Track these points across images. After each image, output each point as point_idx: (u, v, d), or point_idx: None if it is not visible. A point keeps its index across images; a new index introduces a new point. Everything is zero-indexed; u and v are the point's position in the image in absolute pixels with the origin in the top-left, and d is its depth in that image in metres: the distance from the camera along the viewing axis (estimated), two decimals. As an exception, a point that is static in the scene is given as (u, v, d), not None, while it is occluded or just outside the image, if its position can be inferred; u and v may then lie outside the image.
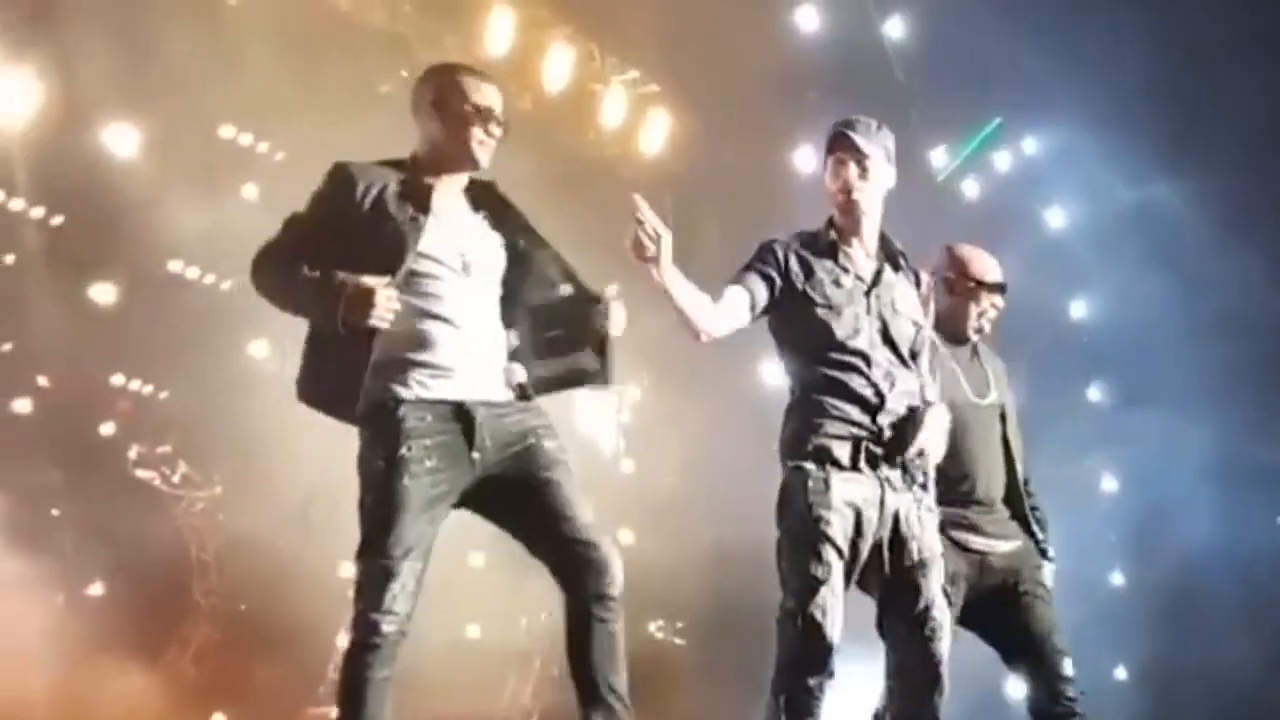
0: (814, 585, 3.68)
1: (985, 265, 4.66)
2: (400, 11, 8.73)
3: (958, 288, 4.61)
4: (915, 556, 3.82)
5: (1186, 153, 8.01)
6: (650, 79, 9.35)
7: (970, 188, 9.81)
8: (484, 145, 3.68)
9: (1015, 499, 4.57)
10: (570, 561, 3.50)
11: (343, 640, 9.97)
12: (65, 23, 7.36)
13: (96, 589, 9.53)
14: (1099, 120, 8.20)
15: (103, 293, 8.77)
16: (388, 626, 3.43)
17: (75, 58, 7.35)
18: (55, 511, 9.47)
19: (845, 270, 3.99)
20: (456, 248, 3.60)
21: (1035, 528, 4.58)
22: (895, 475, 3.84)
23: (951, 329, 4.56)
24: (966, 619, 4.38)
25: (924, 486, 3.89)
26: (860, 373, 3.85)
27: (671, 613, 10.39)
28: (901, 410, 3.87)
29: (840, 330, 3.90)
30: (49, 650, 8.70)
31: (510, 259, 3.70)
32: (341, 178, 3.59)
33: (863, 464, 3.80)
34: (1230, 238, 8.19)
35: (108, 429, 9.66)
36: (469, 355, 3.54)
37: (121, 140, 7.99)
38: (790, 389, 3.98)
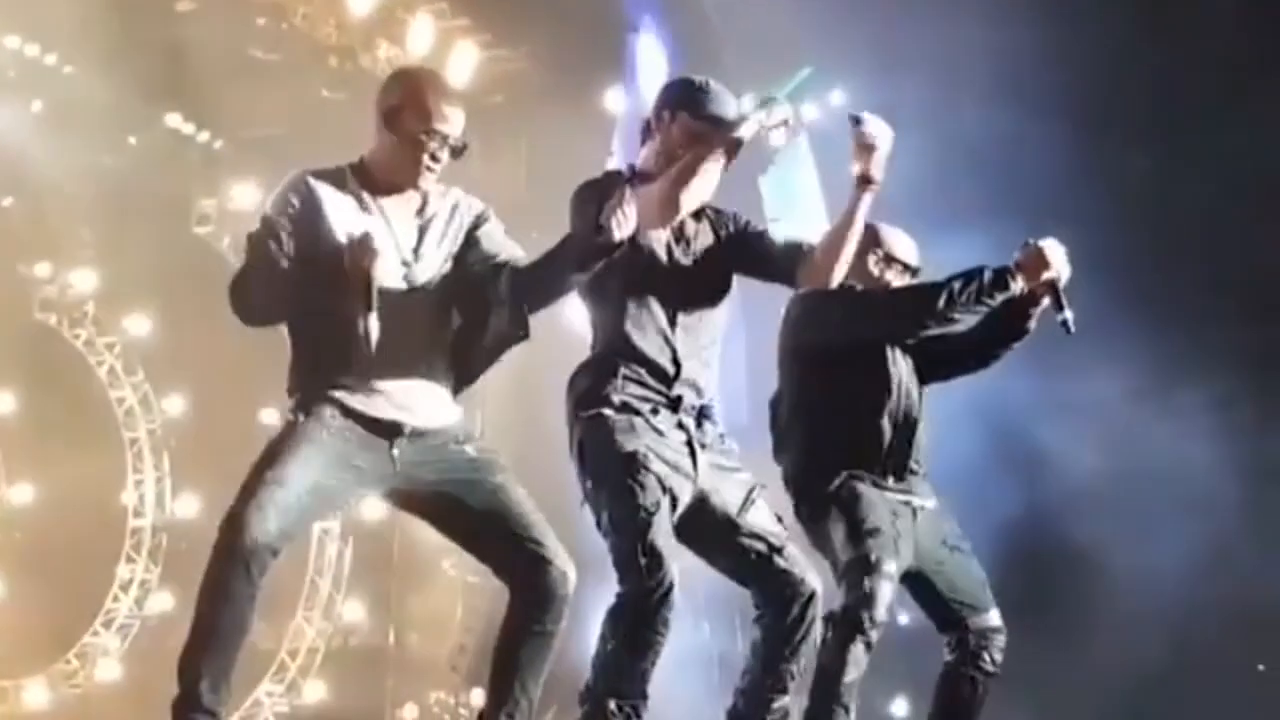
0: (647, 516, 3.54)
1: (907, 245, 4.54)
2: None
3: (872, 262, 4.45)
4: (735, 503, 3.70)
5: (1003, 106, 8.04)
6: (459, 11, 9.22)
7: (777, 136, 9.89)
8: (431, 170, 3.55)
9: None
10: (522, 559, 3.45)
11: (124, 570, 9.89)
12: None
13: None
14: (913, 72, 8.23)
15: None
16: (254, 530, 3.22)
17: None
18: None
19: (678, 239, 3.85)
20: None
21: None
22: (691, 422, 3.71)
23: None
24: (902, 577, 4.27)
25: (715, 423, 3.75)
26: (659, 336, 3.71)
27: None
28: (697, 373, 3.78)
29: (646, 295, 3.71)
30: None
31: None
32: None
33: (663, 413, 3.71)
34: (1051, 197, 8.18)
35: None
36: (406, 373, 3.44)
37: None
38: (591, 346, 3.86)
